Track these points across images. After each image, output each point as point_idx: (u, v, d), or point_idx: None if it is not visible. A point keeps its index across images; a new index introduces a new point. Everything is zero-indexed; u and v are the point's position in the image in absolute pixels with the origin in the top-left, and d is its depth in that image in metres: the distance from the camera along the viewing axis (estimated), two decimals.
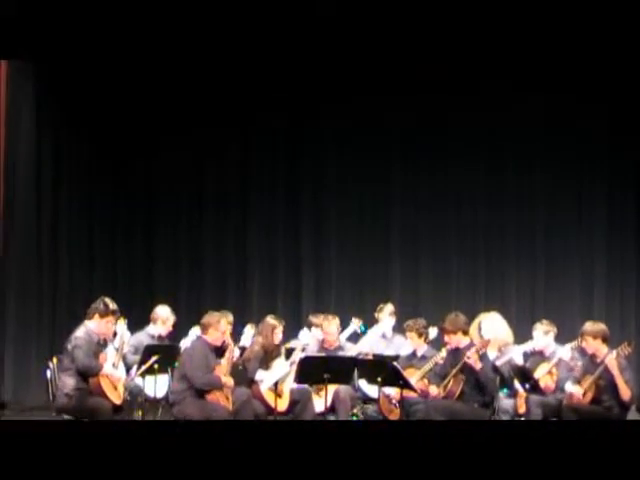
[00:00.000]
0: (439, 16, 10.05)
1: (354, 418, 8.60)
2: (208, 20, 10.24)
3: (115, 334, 8.30)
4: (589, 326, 8.02)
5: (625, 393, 7.71)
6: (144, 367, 8.11)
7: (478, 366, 7.76)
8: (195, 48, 10.47)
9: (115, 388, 7.82)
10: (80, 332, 7.76)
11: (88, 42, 10.22)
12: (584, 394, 7.85)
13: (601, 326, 8.03)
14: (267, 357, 8.38)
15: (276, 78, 10.73)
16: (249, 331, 9.20)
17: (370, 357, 8.72)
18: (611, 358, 7.72)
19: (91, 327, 7.81)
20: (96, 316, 7.81)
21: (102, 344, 8.07)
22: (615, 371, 7.70)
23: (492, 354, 8.38)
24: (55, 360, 8.09)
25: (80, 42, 10.19)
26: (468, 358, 7.77)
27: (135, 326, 8.98)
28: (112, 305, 7.86)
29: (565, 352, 8.41)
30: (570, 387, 7.96)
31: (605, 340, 7.92)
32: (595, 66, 10.19)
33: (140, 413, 8.39)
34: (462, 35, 10.12)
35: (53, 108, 10.52)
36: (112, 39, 10.22)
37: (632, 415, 8.11)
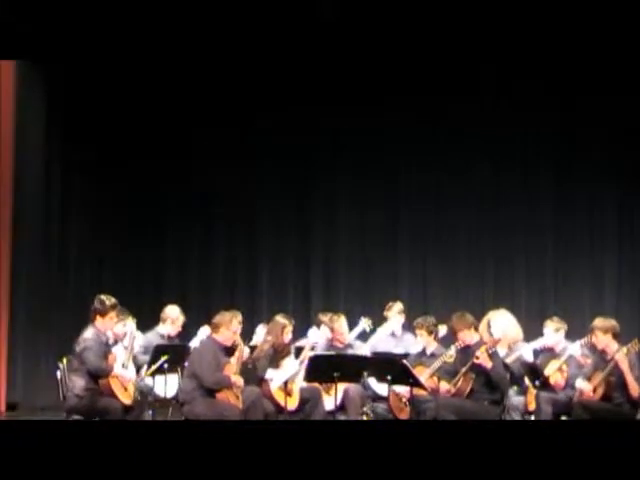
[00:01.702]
0: (441, 18, 10.08)
1: (364, 417, 8.60)
2: (214, 27, 10.27)
3: (125, 334, 8.31)
4: (599, 321, 8.01)
5: (635, 390, 7.68)
6: (154, 367, 8.13)
7: (489, 365, 7.74)
8: (202, 51, 10.49)
9: (125, 388, 7.83)
10: (88, 334, 7.76)
11: (97, 46, 10.24)
12: (594, 391, 7.83)
13: (611, 322, 8.01)
14: (277, 356, 8.38)
15: (282, 82, 10.76)
16: (261, 330, 9.21)
17: (379, 355, 8.72)
18: (621, 354, 7.70)
19: (98, 327, 7.82)
20: (97, 316, 7.81)
21: (111, 344, 8.09)
22: (625, 367, 7.68)
23: (502, 351, 8.36)
24: (65, 360, 8.11)
25: (89, 46, 10.22)
26: (477, 358, 7.75)
27: (145, 326, 9.00)
28: (109, 301, 7.83)
29: (575, 349, 8.39)
30: (580, 384, 7.94)
31: (615, 336, 7.90)
32: (598, 64, 10.18)
33: (150, 413, 8.41)
34: (465, 36, 10.13)
35: (62, 110, 10.56)
36: (120, 42, 10.24)
37: None
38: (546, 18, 9.91)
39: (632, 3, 9.34)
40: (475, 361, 7.76)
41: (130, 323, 8.36)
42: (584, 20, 9.85)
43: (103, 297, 7.87)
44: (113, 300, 7.85)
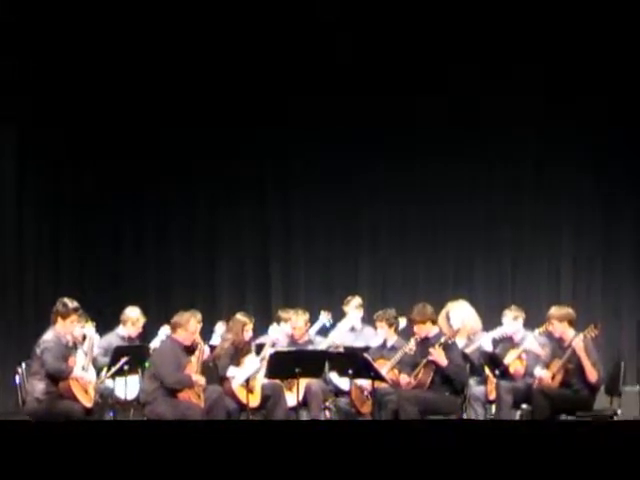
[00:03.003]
0: (440, 18, 10.21)
1: (326, 412, 8.62)
2: (204, 27, 10.35)
3: (84, 337, 8.25)
4: (555, 310, 8.10)
5: (592, 375, 7.79)
6: (114, 369, 8.08)
7: (443, 362, 7.81)
8: (190, 53, 10.54)
9: (86, 391, 7.78)
10: (48, 336, 7.71)
11: (71, 43, 10.22)
12: (553, 378, 7.92)
13: (567, 309, 8.11)
14: (238, 354, 8.38)
15: (252, 78, 10.77)
16: (220, 328, 9.19)
17: (341, 350, 8.74)
18: (578, 341, 7.80)
19: (58, 330, 7.76)
20: (59, 319, 7.76)
21: (71, 347, 8.02)
22: (582, 354, 7.78)
23: (461, 342, 8.43)
24: (23, 365, 8.03)
25: (62, 43, 10.19)
26: (431, 355, 7.81)
27: (105, 329, 8.93)
28: (71, 304, 7.80)
29: (534, 337, 8.48)
30: (539, 372, 8.03)
31: (571, 323, 8.00)
32: (594, 59, 10.33)
33: (111, 414, 8.36)
34: (461, 35, 10.27)
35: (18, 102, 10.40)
36: (95, 42, 10.24)
37: (600, 396, 8.18)
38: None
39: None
40: (429, 358, 7.82)
41: (89, 326, 8.30)
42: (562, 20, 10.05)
43: (66, 300, 7.84)
44: (75, 303, 7.83)
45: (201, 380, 7.95)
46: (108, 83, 10.70)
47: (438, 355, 7.81)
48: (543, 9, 10.19)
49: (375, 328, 8.83)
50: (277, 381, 8.28)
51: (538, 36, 10.34)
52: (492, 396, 8.29)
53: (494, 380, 8.20)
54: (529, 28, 10.32)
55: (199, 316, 8.60)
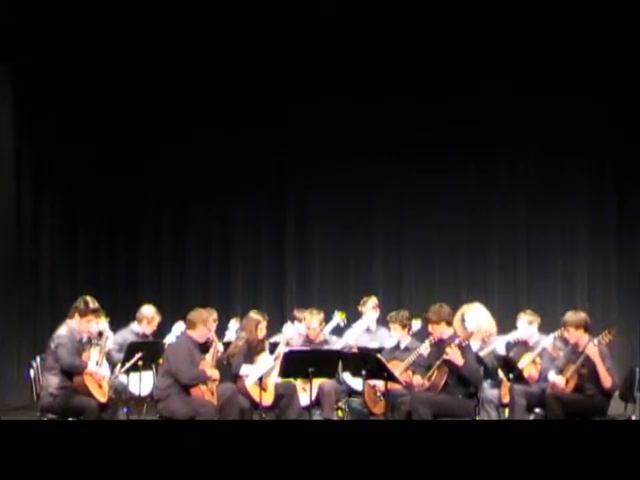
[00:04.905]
0: (440, 17, 10.19)
1: (339, 412, 8.62)
2: (202, 27, 10.34)
3: (100, 333, 8.28)
4: (570, 316, 8.05)
5: (606, 381, 7.75)
6: (128, 364, 8.10)
7: (460, 362, 7.77)
8: (189, 51, 10.54)
9: (100, 386, 7.80)
10: (63, 331, 7.74)
11: (67, 42, 10.24)
12: (566, 383, 7.88)
13: (582, 315, 8.07)
14: (251, 352, 8.37)
15: (268, 76, 10.77)
16: (234, 325, 9.20)
17: (355, 350, 8.74)
18: (592, 346, 7.76)
19: (73, 325, 7.79)
20: (76, 315, 7.79)
21: (85, 342, 8.05)
22: (596, 359, 7.74)
23: (476, 345, 8.41)
24: (38, 359, 8.06)
25: (59, 42, 10.21)
26: (446, 354, 7.77)
27: (119, 325, 8.96)
28: (92, 304, 7.82)
29: (549, 342, 8.45)
30: (553, 376, 7.99)
31: (586, 329, 7.96)
32: (593, 65, 10.32)
33: (125, 411, 8.38)
34: (461, 35, 10.26)
35: (33, 108, 10.46)
36: (92, 38, 10.25)
37: (615, 402, 8.15)
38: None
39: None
40: (445, 357, 7.79)
41: (103, 322, 8.33)
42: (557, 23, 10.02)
43: (88, 299, 7.86)
44: (96, 304, 7.85)
45: (215, 374, 7.95)
46: (138, 88, 10.76)
47: (454, 354, 7.77)
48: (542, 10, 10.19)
49: (389, 329, 8.82)
50: (291, 380, 8.28)
51: (539, 36, 10.32)
52: (506, 400, 8.26)
53: (508, 384, 8.18)
54: (529, 28, 10.28)
55: (215, 314, 8.62)
